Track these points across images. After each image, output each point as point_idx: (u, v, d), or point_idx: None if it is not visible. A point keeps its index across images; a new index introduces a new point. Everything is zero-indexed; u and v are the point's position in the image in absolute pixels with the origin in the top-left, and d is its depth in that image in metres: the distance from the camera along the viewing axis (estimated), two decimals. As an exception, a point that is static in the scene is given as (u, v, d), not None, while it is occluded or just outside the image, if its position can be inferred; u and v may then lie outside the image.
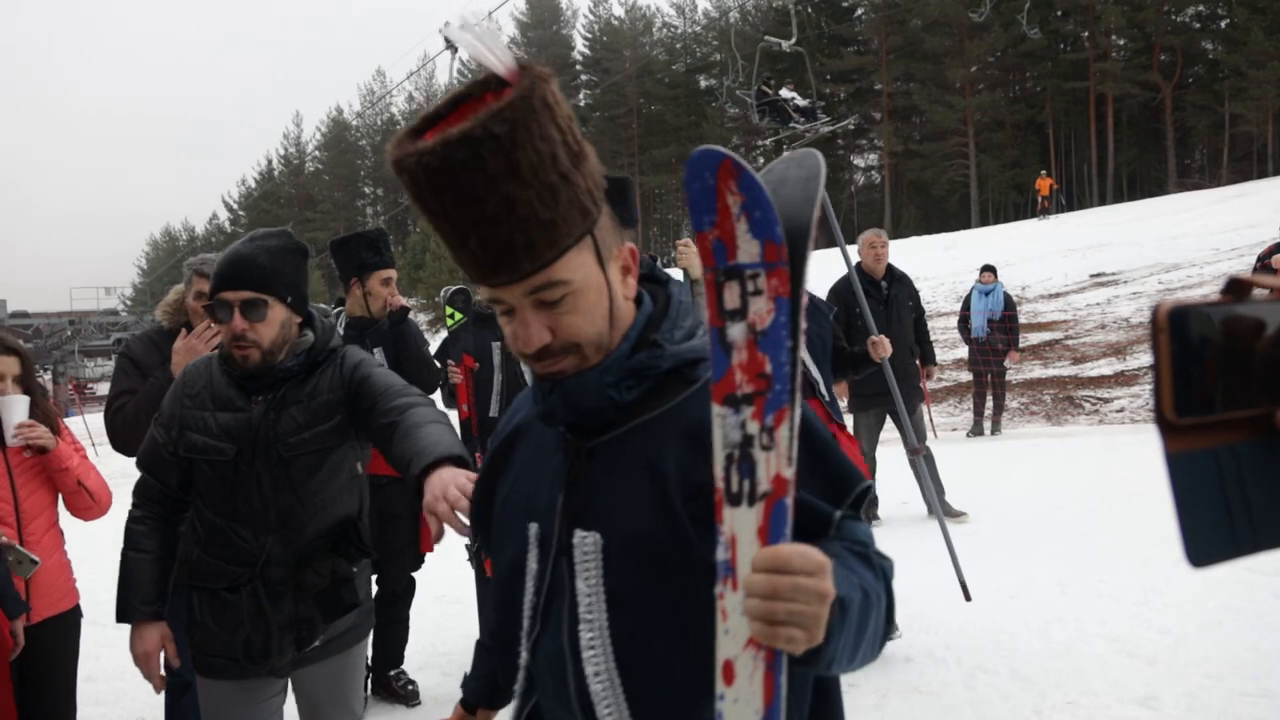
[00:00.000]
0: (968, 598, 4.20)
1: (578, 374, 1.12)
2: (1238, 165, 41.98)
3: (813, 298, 3.76)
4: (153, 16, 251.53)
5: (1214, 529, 0.71)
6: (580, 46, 61.94)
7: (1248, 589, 4.41)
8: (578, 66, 60.10)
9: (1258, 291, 0.71)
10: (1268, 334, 0.69)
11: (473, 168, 0.96)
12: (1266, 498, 0.71)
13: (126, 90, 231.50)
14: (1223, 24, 44.39)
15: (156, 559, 2.38)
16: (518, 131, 0.95)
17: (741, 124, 46.26)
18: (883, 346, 4.31)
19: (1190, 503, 0.71)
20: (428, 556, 4.27)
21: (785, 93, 22.98)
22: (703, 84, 56.08)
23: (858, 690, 3.69)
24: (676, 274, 4.16)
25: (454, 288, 4.98)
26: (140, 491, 2.44)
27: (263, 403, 2.37)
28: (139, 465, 2.45)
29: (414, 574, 4.24)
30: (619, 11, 61.05)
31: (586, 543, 1.12)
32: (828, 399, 3.97)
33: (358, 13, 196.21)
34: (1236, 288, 0.71)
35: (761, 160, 38.20)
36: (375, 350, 4.11)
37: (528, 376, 4.75)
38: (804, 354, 0.92)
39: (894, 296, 6.49)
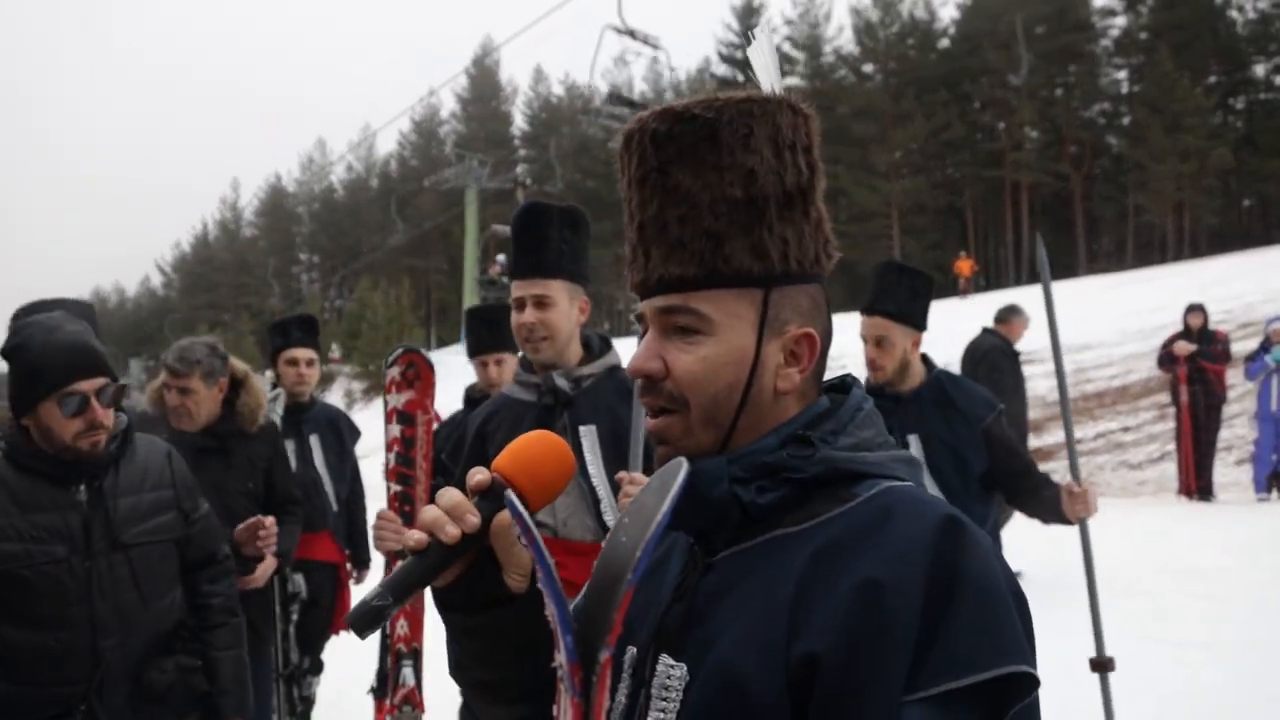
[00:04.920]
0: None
1: (704, 458, 0.93)
2: (1141, 252, 44.54)
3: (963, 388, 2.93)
4: (89, 76, 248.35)
5: None
6: (519, 122, 63.24)
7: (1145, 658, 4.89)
8: (516, 141, 61.20)
9: None
10: None
11: (663, 141, 0.95)
12: None
13: (67, 147, 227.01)
14: (1125, 121, 47.47)
15: None
16: (720, 127, 0.93)
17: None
18: (1086, 502, 2.69)
19: None
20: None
21: None
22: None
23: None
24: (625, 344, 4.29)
25: None
26: None
27: (87, 492, 2.14)
28: None
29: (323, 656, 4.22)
30: (558, 90, 62.68)
31: (671, 676, 0.90)
32: None
33: (299, 80, 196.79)
34: None
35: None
36: (312, 436, 4.08)
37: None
38: None
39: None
